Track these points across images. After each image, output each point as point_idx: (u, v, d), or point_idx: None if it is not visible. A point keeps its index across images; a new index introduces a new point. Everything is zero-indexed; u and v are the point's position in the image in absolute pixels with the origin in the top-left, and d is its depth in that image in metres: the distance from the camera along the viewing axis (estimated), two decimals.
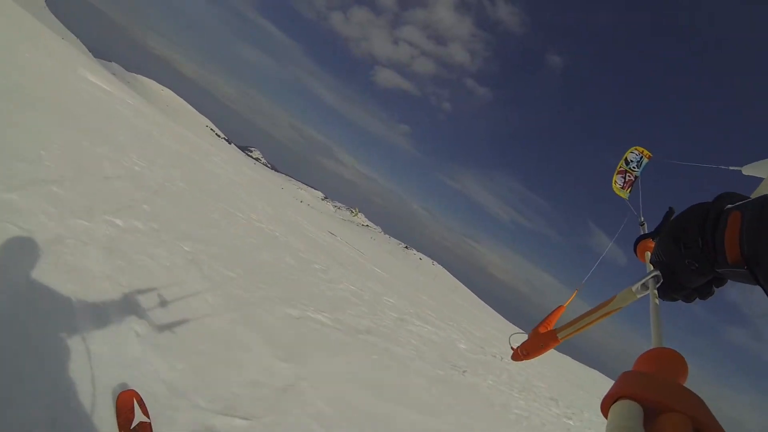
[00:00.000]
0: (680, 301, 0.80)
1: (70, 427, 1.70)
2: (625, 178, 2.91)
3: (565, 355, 35.84)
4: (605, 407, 0.43)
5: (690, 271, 0.71)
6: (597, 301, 0.98)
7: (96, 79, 14.75)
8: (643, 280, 0.83)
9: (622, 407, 0.41)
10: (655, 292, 0.80)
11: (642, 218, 1.58)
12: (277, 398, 2.70)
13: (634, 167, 2.92)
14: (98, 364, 2.06)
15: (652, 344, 0.64)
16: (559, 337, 1.05)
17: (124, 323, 2.46)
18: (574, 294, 1.43)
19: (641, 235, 1.09)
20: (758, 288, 0.57)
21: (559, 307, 1.22)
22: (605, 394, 0.44)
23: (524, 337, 1.19)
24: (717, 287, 0.74)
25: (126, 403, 1.98)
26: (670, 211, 0.94)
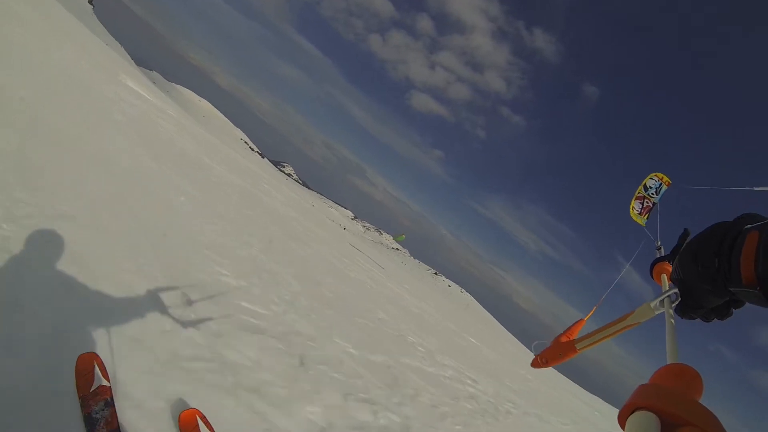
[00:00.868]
0: (699, 320, 0.81)
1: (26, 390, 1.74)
2: (643, 204, 2.94)
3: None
4: (623, 418, 0.46)
5: (706, 290, 0.72)
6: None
7: (136, 85, 15.58)
8: (662, 297, 0.86)
9: (641, 418, 0.43)
10: (671, 310, 0.83)
11: (659, 242, 1.61)
12: None
13: (652, 194, 2.95)
14: None
15: (667, 360, 0.67)
16: (578, 348, 1.12)
17: None
18: (594, 308, 1.52)
19: (657, 258, 1.12)
20: None
21: (580, 320, 1.29)
22: (623, 405, 0.47)
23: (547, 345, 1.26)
24: (735, 309, 0.75)
25: (86, 365, 1.96)
26: (686, 232, 0.95)
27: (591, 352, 1.16)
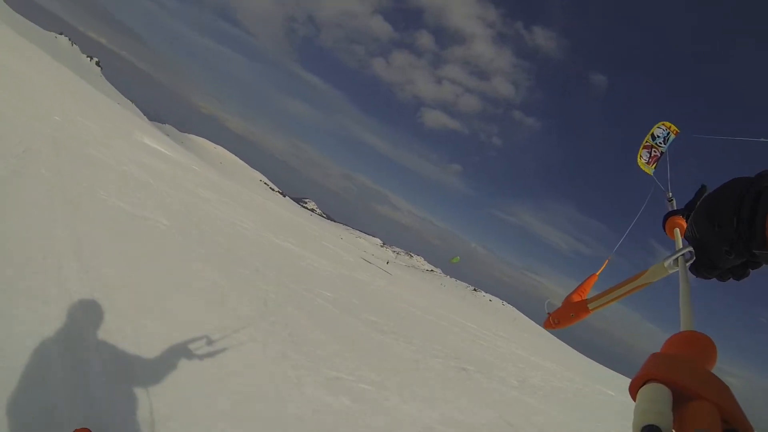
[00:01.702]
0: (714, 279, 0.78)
1: None
2: (650, 154, 2.93)
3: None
4: (634, 389, 0.45)
5: (724, 251, 0.69)
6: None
7: (152, 142, 16.29)
8: (675, 256, 0.83)
9: (653, 391, 0.42)
10: (686, 270, 0.80)
11: (670, 193, 1.54)
12: None
13: (660, 143, 2.94)
14: None
15: (681, 326, 0.63)
16: (590, 308, 1.08)
17: None
18: (606, 262, 1.47)
19: (670, 211, 1.10)
20: None
21: (592, 275, 1.26)
22: (634, 375, 0.46)
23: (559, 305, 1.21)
24: (752, 269, 0.73)
25: None
26: (703, 188, 0.91)
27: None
